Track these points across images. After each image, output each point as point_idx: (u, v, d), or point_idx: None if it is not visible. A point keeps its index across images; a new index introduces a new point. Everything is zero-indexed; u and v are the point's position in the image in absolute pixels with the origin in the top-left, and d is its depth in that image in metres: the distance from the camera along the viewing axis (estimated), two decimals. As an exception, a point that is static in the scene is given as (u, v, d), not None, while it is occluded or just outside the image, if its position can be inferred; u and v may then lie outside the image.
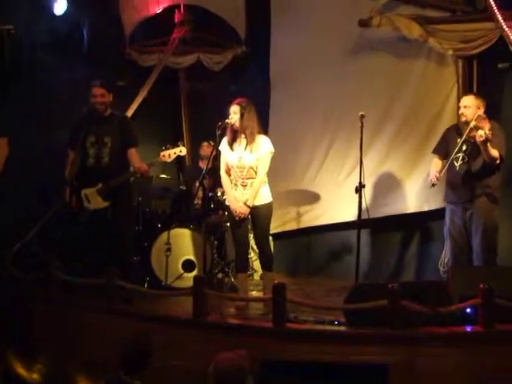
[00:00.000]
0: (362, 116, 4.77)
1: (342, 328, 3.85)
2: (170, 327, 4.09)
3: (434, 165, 4.98)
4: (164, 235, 5.43)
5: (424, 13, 5.64)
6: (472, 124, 4.60)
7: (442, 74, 5.75)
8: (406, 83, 5.85)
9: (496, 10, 5.17)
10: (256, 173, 4.61)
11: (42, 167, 5.58)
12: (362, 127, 4.76)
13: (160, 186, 6.05)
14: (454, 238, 4.89)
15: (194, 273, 5.28)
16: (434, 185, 4.81)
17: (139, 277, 5.29)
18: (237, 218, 4.64)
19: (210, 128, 4.73)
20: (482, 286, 3.70)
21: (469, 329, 3.77)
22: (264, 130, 4.98)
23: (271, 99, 6.36)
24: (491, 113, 4.85)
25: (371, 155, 5.85)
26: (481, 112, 4.68)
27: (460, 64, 5.63)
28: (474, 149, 4.69)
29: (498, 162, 4.65)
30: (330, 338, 3.77)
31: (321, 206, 6.24)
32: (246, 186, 4.65)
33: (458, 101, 5.57)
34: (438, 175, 4.76)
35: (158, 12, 6.79)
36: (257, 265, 5.74)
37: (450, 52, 5.50)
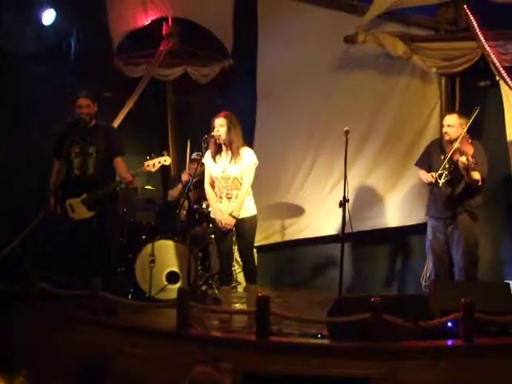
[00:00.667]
0: (347, 131, 4.82)
1: (325, 341, 3.88)
2: (153, 339, 4.08)
3: (422, 173, 5.03)
4: (148, 247, 5.42)
5: (408, 31, 5.76)
6: (456, 146, 4.68)
7: (426, 90, 5.85)
8: (390, 99, 5.95)
9: (478, 30, 5.31)
10: (241, 184, 4.64)
11: (25, 176, 5.56)
12: (346, 142, 4.81)
13: (145, 197, 6.05)
14: (436, 253, 4.96)
15: (178, 285, 5.27)
16: (431, 183, 4.84)
17: (123, 288, 5.27)
18: (222, 230, 4.66)
19: (197, 140, 4.76)
20: (463, 300, 3.75)
21: (450, 342, 3.81)
22: (249, 142, 5.02)
23: (257, 112, 6.41)
24: (473, 130, 4.94)
25: (355, 170, 5.91)
26: (464, 132, 4.76)
27: (443, 81, 5.75)
28: (457, 169, 4.77)
29: (479, 184, 4.73)
30: (313, 351, 3.79)
31: (305, 220, 6.29)
32: (231, 198, 4.67)
33: (441, 117, 5.70)
34: (434, 175, 4.80)
35: (146, 24, 6.81)
36: (241, 277, 5.74)
37: (433, 70, 5.61)
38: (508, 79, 5.20)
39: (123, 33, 6.76)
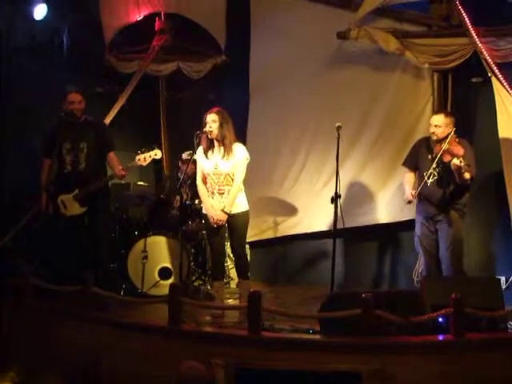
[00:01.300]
0: (339, 127, 4.83)
1: (317, 336, 3.89)
2: (145, 335, 4.08)
3: (408, 179, 5.08)
4: (141, 243, 5.43)
5: (401, 27, 5.75)
6: (445, 147, 4.71)
7: (418, 87, 5.85)
8: (382, 95, 5.95)
9: (470, 26, 5.31)
10: (232, 180, 4.64)
11: (16, 172, 5.54)
12: (338, 138, 4.81)
13: (137, 193, 6.04)
14: (426, 251, 5.00)
15: (171, 280, 5.28)
16: (410, 202, 4.91)
17: (115, 284, 5.27)
18: (214, 226, 4.66)
19: (189, 136, 4.76)
20: (453, 295, 3.77)
21: (440, 337, 3.83)
22: (242, 138, 5.01)
23: (250, 108, 6.41)
24: (465, 126, 4.98)
25: (347, 166, 5.92)
26: (451, 131, 4.78)
27: (435, 78, 5.75)
28: (445, 169, 4.79)
29: (469, 183, 4.76)
30: (305, 346, 3.80)
31: (298, 215, 6.29)
32: (223, 193, 4.67)
33: (433, 113, 5.70)
34: (413, 193, 4.86)
35: (139, 19, 6.79)
36: (233, 273, 5.75)
37: (426, 66, 5.61)
38: (500, 75, 5.21)
39: (116, 28, 6.74)
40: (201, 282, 5.75)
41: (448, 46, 5.51)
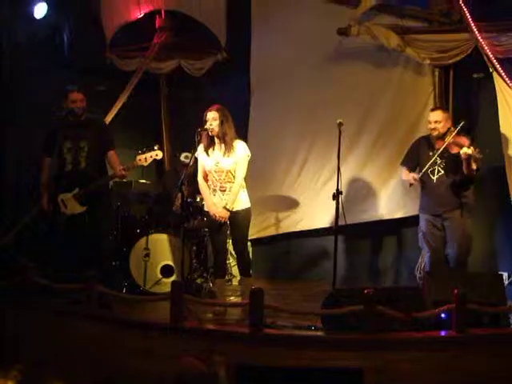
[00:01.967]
0: (340, 124, 4.83)
1: (319, 333, 3.89)
2: (147, 332, 4.08)
3: (405, 175, 5.09)
4: (143, 240, 5.43)
5: (402, 23, 5.73)
6: (450, 140, 4.74)
7: (419, 83, 5.85)
8: (383, 92, 5.94)
9: (471, 22, 5.30)
10: (234, 177, 4.64)
11: (17, 171, 5.55)
12: (339, 134, 4.81)
13: (139, 191, 6.04)
14: (433, 249, 4.99)
15: (173, 278, 5.28)
16: (411, 184, 4.94)
17: (118, 282, 5.28)
18: (216, 223, 4.66)
19: (190, 134, 4.76)
20: (455, 291, 3.77)
21: (443, 333, 3.83)
22: (243, 135, 5.01)
23: (251, 105, 6.40)
24: (466, 122, 4.97)
25: (349, 162, 5.91)
26: (450, 125, 4.84)
27: (436, 73, 5.74)
28: (451, 162, 4.81)
29: (475, 173, 4.77)
30: (307, 343, 3.79)
31: (299, 212, 6.29)
32: (224, 190, 4.68)
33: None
34: (416, 176, 4.86)
35: (139, 17, 6.78)
36: (235, 270, 5.75)
37: (427, 61, 5.60)
38: (501, 71, 5.20)
39: (116, 26, 6.73)
40: (203, 280, 5.75)
41: (449, 42, 5.51)
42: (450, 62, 5.53)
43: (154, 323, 4.17)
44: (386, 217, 5.95)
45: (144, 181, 6.29)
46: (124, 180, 5.56)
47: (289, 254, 6.49)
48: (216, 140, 4.67)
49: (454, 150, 4.75)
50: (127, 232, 5.69)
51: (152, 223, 5.72)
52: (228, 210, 4.63)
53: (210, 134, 4.64)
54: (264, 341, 3.81)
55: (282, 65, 6.25)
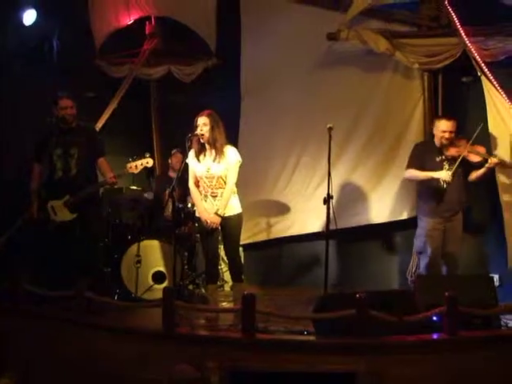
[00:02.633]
0: (330, 128, 4.84)
1: (311, 338, 3.88)
2: (139, 339, 4.06)
3: (415, 171, 5.11)
4: (134, 247, 5.42)
5: (391, 27, 5.78)
6: (469, 148, 4.94)
7: (409, 87, 5.88)
8: (373, 96, 5.97)
9: (459, 26, 5.34)
10: (225, 182, 4.64)
11: (7, 177, 5.52)
12: (330, 139, 4.82)
13: (130, 198, 6.03)
14: (433, 252, 5.06)
15: (165, 284, 5.27)
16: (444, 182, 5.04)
17: (109, 289, 5.26)
18: (208, 228, 4.66)
19: (181, 139, 4.75)
20: (446, 294, 3.78)
21: (435, 336, 3.83)
22: (234, 141, 5.01)
23: (241, 111, 6.42)
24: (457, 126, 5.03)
25: (340, 166, 5.94)
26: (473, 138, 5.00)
27: (425, 77, 5.78)
28: (458, 167, 4.99)
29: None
30: (299, 347, 3.78)
31: (291, 217, 6.30)
32: (216, 196, 4.67)
33: (424, 113, 5.77)
34: (449, 173, 4.95)
35: (129, 23, 6.79)
36: (227, 276, 5.74)
37: (416, 66, 5.64)
38: (489, 75, 5.24)
39: (106, 33, 6.74)
40: (195, 286, 5.74)
41: (437, 46, 5.55)
42: (439, 66, 5.58)
43: (146, 330, 4.15)
44: (377, 220, 5.97)
45: (135, 187, 6.28)
46: (115, 186, 5.54)
47: (281, 258, 6.49)
48: (207, 146, 4.67)
49: (476, 159, 4.97)
50: (118, 239, 5.68)
51: (143, 229, 5.70)
52: (219, 215, 4.62)
53: (200, 139, 4.64)
54: (256, 346, 3.80)
55: (272, 70, 6.27)
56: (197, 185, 4.74)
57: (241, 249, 5.65)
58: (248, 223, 5.79)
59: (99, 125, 6.20)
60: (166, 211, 5.66)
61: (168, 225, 5.60)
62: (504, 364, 3.69)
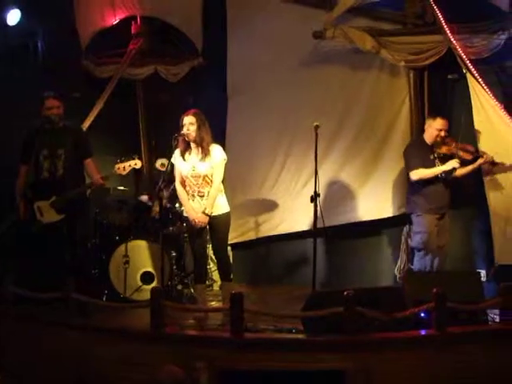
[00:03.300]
0: (317, 126, 4.85)
1: (300, 336, 3.89)
2: (127, 340, 4.04)
3: (424, 170, 5.16)
4: (122, 247, 5.39)
5: (376, 25, 5.79)
6: (459, 146, 5.11)
7: (395, 84, 5.91)
8: (359, 94, 5.99)
9: (444, 24, 5.36)
10: (211, 181, 4.63)
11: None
12: (316, 137, 4.83)
13: (117, 198, 6.00)
14: (430, 249, 5.13)
15: (153, 285, 5.25)
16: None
17: (97, 290, 5.23)
18: (196, 228, 4.64)
19: (167, 139, 4.74)
20: (434, 290, 3.80)
21: (423, 332, 3.85)
22: (221, 140, 5.01)
23: (228, 110, 6.41)
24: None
25: (327, 165, 5.95)
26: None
27: (411, 75, 5.81)
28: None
29: None
30: (288, 346, 3.79)
31: (279, 216, 6.29)
32: (203, 196, 4.66)
33: (411, 110, 5.80)
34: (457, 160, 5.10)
35: (115, 23, 6.75)
36: (216, 275, 5.73)
37: (402, 63, 5.66)
38: (474, 72, 5.26)
39: (91, 33, 6.69)
40: (183, 286, 5.72)
41: (423, 44, 5.57)
42: (425, 63, 5.60)
43: (135, 330, 4.13)
44: (365, 218, 5.98)
45: (122, 187, 6.25)
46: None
47: (269, 257, 6.49)
48: (192, 145, 4.66)
49: (468, 156, 5.11)
50: (106, 239, 5.65)
51: (131, 230, 5.68)
52: (207, 214, 4.61)
53: (186, 138, 4.62)
54: (245, 345, 3.80)
55: (259, 69, 6.27)
56: (183, 185, 4.73)
57: (229, 248, 5.65)
58: (236, 222, 5.79)
59: (85, 125, 6.15)
60: (154, 211, 5.64)
61: (156, 225, 5.58)
62: (490, 358, 3.72)
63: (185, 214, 4.82)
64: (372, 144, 5.94)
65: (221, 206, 4.70)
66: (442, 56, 5.50)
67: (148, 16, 6.76)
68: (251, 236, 6.39)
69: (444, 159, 5.16)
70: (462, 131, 5.02)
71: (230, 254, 5.82)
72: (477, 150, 5.14)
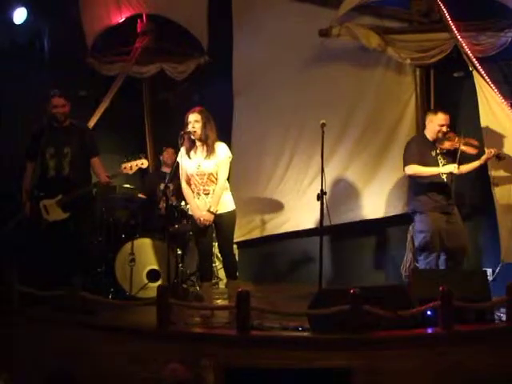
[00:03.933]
0: (323, 124, 4.83)
1: (306, 334, 3.89)
2: (134, 338, 4.06)
3: (419, 167, 5.06)
4: (128, 245, 5.40)
5: (382, 23, 5.78)
6: (463, 141, 4.96)
7: (401, 82, 5.90)
8: (365, 91, 5.98)
9: (450, 21, 5.35)
10: (216, 179, 4.63)
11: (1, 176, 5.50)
12: (322, 135, 4.82)
13: (123, 196, 6.01)
14: (436, 248, 5.03)
15: (159, 283, 5.25)
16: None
17: (103, 288, 5.25)
18: (201, 226, 4.64)
19: (174, 137, 4.74)
20: (441, 288, 3.79)
21: (429, 330, 3.85)
22: (226, 138, 5.00)
23: (234, 108, 6.41)
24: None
25: (333, 163, 5.94)
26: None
27: (417, 73, 5.80)
28: (453, 161, 4.98)
29: None
30: (294, 343, 3.80)
31: (284, 214, 6.30)
32: (208, 193, 4.66)
33: (417, 109, 5.78)
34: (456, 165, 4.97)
35: (120, 21, 6.76)
36: (222, 273, 5.74)
37: (408, 61, 5.65)
38: (481, 69, 5.25)
39: (97, 31, 6.70)
40: (189, 284, 5.73)
41: (429, 42, 5.56)
42: (431, 61, 5.59)
43: (141, 328, 4.14)
44: (371, 216, 5.98)
45: (128, 185, 6.26)
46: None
47: (275, 255, 6.49)
48: (198, 143, 4.65)
49: (473, 151, 5.01)
50: (112, 237, 5.66)
51: (137, 228, 5.69)
52: (212, 212, 4.61)
53: (192, 136, 4.62)
54: (252, 343, 3.80)
55: (264, 66, 6.27)
56: (189, 183, 4.73)
57: (235, 246, 5.65)
58: (242, 220, 5.80)
59: (91, 123, 6.17)
60: (161, 207, 5.65)
61: (162, 223, 5.59)
62: (497, 357, 3.71)
63: (190, 212, 4.82)
64: (378, 142, 5.93)
65: (226, 204, 4.69)
66: (448, 54, 5.48)
67: (154, 14, 6.76)
68: (257, 234, 6.40)
69: (447, 155, 5.06)
70: (469, 128, 4.98)
71: (236, 252, 5.83)
72: (482, 145, 5.05)
